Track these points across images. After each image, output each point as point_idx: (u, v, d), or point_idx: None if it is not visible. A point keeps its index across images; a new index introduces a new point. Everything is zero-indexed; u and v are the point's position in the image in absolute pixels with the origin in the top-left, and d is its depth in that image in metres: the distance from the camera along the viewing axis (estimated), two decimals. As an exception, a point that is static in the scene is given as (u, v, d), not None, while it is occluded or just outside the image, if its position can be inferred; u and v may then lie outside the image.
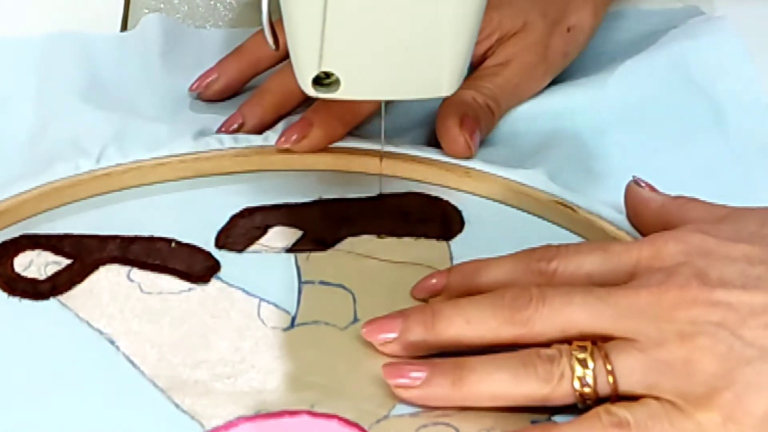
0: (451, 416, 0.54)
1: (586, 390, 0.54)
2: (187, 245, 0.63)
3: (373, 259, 0.63)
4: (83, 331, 0.58)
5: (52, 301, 0.60)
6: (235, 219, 0.65)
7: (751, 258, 0.55)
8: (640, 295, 0.54)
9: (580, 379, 0.54)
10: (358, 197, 0.66)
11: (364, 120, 0.69)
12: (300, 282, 0.62)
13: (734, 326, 0.53)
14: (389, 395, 0.55)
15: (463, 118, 0.67)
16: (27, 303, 0.60)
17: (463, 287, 0.59)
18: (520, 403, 0.55)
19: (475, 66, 0.72)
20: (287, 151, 0.68)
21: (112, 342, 0.58)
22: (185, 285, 0.61)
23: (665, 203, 0.62)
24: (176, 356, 0.57)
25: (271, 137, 0.68)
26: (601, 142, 0.72)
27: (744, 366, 0.52)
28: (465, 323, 0.56)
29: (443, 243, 0.64)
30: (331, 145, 0.68)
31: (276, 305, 0.60)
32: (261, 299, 0.60)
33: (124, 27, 0.81)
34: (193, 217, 0.65)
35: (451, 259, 0.63)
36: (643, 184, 0.63)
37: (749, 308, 0.53)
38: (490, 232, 0.65)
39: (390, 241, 0.64)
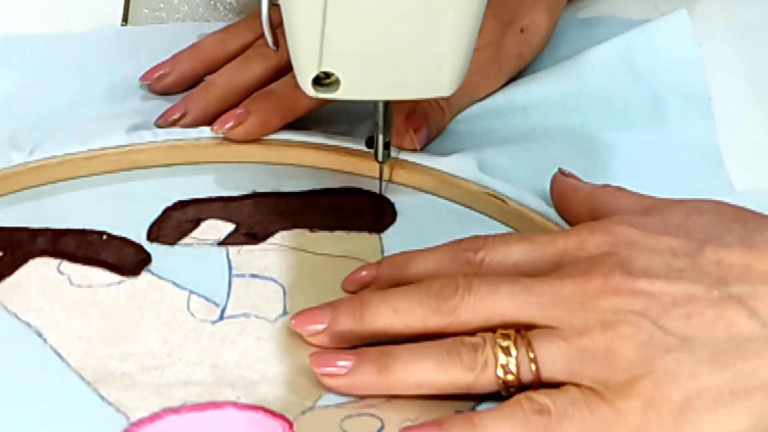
0: (376, 407, 0.55)
1: (510, 377, 0.54)
2: (119, 238, 0.63)
3: (305, 253, 0.63)
4: (10, 324, 0.58)
5: (-21, 294, 0.60)
6: (168, 212, 0.65)
7: (675, 250, 0.55)
8: (564, 284, 0.55)
9: (503, 366, 0.54)
10: (291, 191, 0.67)
11: (302, 114, 0.69)
12: (231, 275, 0.62)
13: (656, 316, 0.53)
14: (316, 386, 0.55)
15: (409, 113, 0.68)
16: (-46, 296, 0.60)
17: (392, 279, 0.60)
18: (446, 390, 0.55)
19: None
20: (223, 142, 0.68)
21: (39, 335, 0.58)
22: (115, 278, 0.61)
23: (593, 191, 0.62)
24: (104, 349, 0.57)
25: (205, 131, 0.68)
26: (538, 136, 0.72)
27: (664, 354, 0.53)
28: (393, 313, 0.56)
29: (375, 236, 0.64)
30: (266, 137, 0.69)
31: (206, 298, 0.60)
32: (191, 292, 0.60)
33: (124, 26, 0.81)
34: (126, 210, 0.65)
35: (383, 251, 0.63)
36: (567, 173, 0.63)
37: (671, 298, 0.54)
38: (421, 224, 0.65)
39: (322, 235, 0.64)
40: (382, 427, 0.54)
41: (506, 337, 0.55)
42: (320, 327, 0.57)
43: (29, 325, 0.58)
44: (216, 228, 0.64)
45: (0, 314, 0.59)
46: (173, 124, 0.70)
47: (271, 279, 0.61)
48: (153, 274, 0.61)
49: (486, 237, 0.59)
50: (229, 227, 0.64)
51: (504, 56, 0.73)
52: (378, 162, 0.65)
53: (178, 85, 0.74)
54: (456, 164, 0.67)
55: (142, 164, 0.67)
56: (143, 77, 0.74)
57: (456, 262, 0.59)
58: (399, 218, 0.65)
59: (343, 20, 0.55)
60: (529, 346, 0.54)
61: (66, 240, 0.63)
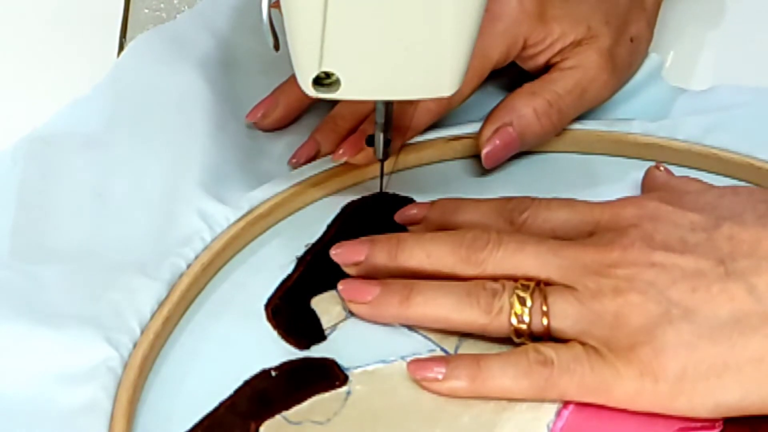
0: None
1: (522, 326, 0.59)
2: (288, 364, 0.62)
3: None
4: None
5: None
6: (273, 320, 0.64)
7: (695, 225, 0.59)
8: (587, 251, 0.59)
9: (517, 315, 0.59)
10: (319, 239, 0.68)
11: (422, 129, 0.70)
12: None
13: (664, 287, 0.57)
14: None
15: (500, 128, 0.69)
16: None
17: (440, 223, 0.65)
18: (460, 329, 0.61)
19: (534, 74, 0.71)
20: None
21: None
22: (342, 391, 0.60)
23: (668, 179, 0.67)
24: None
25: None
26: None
27: (666, 324, 0.57)
28: (425, 257, 0.61)
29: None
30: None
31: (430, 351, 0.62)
32: (401, 359, 0.61)
33: (124, 27, 0.80)
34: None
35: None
36: (662, 168, 0.68)
37: (681, 271, 0.57)
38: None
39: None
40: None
41: (525, 288, 0.59)
42: (359, 259, 0.62)
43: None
44: (328, 302, 0.64)
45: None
46: (308, 162, 0.69)
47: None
48: (351, 370, 0.61)
49: (533, 200, 0.64)
50: (336, 296, 0.64)
51: (619, 65, 0.71)
52: (379, 160, 0.67)
53: (286, 118, 0.72)
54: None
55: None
56: (249, 116, 0.72)
57: (500, 219, 0.63)
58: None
59: (343, 20, 0.56)
60: (545, 300, 0.58)
61: (250, 400, 0.60)
